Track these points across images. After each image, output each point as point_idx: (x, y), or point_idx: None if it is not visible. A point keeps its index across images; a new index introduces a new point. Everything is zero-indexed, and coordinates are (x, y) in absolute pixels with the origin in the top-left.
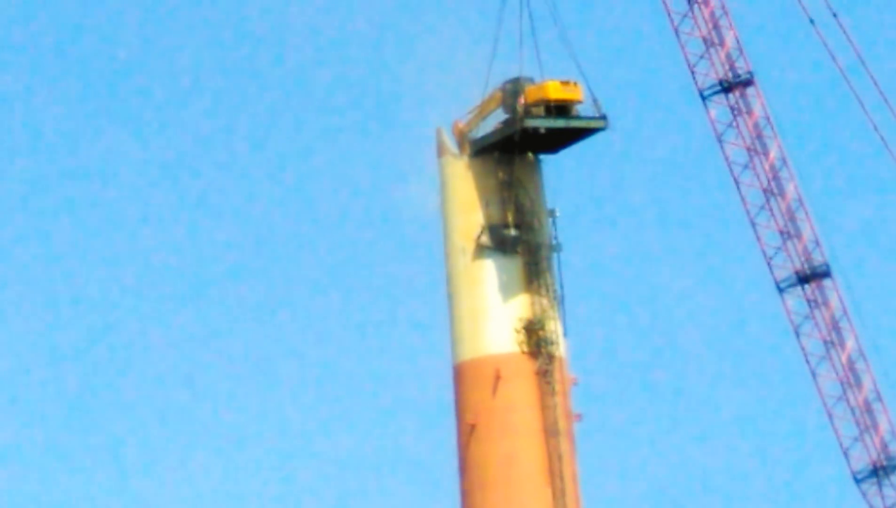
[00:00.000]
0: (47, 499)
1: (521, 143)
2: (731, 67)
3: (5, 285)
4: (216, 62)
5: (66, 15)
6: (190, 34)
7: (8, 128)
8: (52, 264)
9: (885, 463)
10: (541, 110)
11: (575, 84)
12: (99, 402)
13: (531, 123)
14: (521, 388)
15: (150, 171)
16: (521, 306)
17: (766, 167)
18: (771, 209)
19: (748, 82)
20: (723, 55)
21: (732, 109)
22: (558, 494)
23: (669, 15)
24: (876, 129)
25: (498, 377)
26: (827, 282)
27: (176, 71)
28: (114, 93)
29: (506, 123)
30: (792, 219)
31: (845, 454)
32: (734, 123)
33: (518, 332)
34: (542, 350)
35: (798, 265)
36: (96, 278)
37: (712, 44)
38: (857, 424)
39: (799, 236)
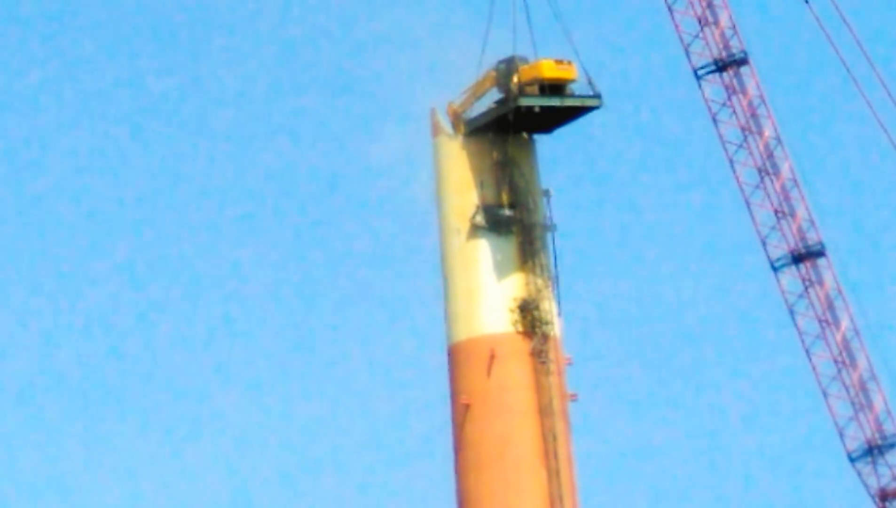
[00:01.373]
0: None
1: (515, 122)
2: (726, 46)
3: (6, 286)
4: (209, 49)
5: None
6: (183, 24)
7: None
8: (52, 264)
9: (879, 442)
10: (535, 89)
11: (569, 63)
12: (98, 405)
13: (525, 101)
14: (515, 368)
15: (145, 170)
16: (515, 286)
17: (761, 146)
18: (765, 188)
19: (742, 61)
20: (717, 34)
21: (727, 88)
22: (553, 474)
23: None
24: (871, 107)
25: (493, 357)
26: (821, 261)
27: (169, 65)
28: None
29: (500, 102)
30: (786, 198)
31: (840, 433)
32: (728, 103)
33: (513, 312)
34: (537, 330)
35: (793, 245)
36: (97, 279)
37: (706, 23)
38: (852, 403)
39: (793, 215)
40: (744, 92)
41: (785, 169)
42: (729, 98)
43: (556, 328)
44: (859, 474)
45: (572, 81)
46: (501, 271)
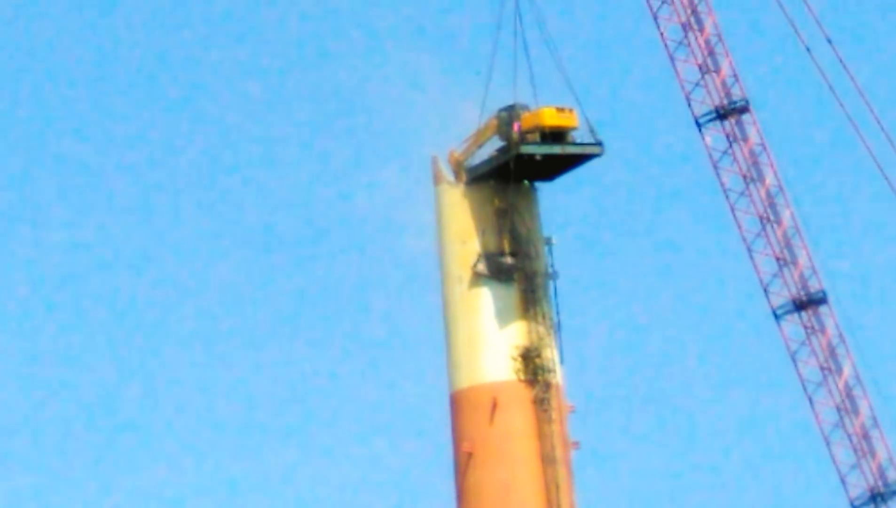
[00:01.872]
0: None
1: (516, 170)
2: (727, 94)
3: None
4: (212, 92)
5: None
6: (183, 73)
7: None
8: (52, 264)
9: (882, 490)
10: (536, 137)
11: (570, 110)
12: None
13: (526, 149)
14: (518, 416)
15: (141, 226)
16: (517, 333)
17: (762, 194)
18: (767, 236)
19: (744, 109)
20: (718, 82)
21: (728, 135)
22: None
23: (665, 42)
24: (872, 155)
25: (495, 405)
26: (823, 309)
27: (171, 116)
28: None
29: (501, 150)
30: (788, 246)
31: (843, 480)
32: (730, 150)
33: (515, 360)
34: (539, 378)
35: (794, 292)
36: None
37: (708, 71)
38: (855, 450)
39: (795, 262)
40: (745, 140)
41: (786, 216)
42: (730, 146)
43: (558, 376)
44: None
45: (573, 128)
46: (503, 318)
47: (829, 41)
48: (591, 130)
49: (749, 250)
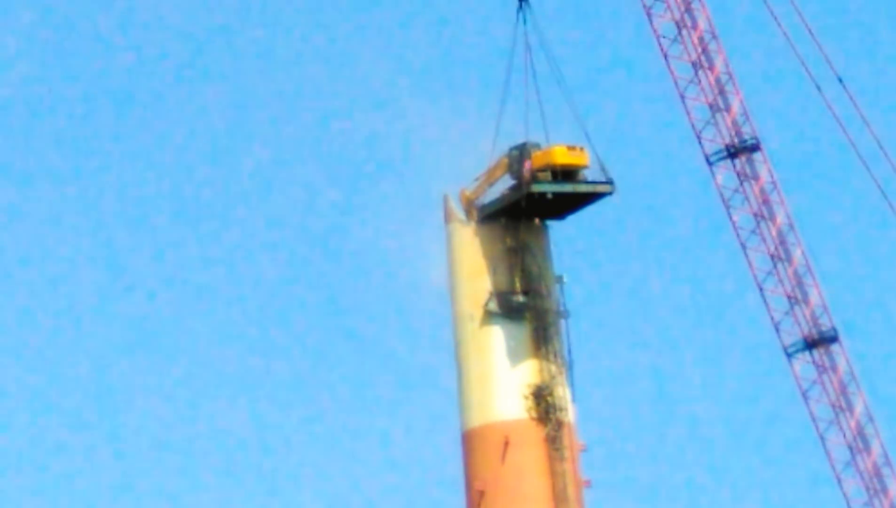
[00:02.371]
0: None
1: (527, 208)
2: (738, 133)
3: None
4: (216, 128)
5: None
6: (189, 103)
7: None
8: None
9: None
10: (547, 175)
11: (581, 149)
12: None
13: (538, 188)
14: (530, 454)
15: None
16: (529, 372)
17: (773, 233)
18: (778, 274)
19: (754, 148)
20: (729, 121)
21: (739, 174)
22: None
23: (675, 80)
24: (883, 193)
25: (507, 444)
26: (835, 347)
27: (180, 154)
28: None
29: (512, 188)
30: (799, 284)
31: None
32: (741, 189)
33: (526, 398)
34: (551, 416)
35: (806, 331)
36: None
37: (718, 109)
38: (867, 489)
39: (806, 301)
40: (756, 178)
41: (797, 255)
42: (741, 184)
43: (571, 415)
44: None
45: (585, 166)
46: (515, 357)
47: (840, 80)
48: (603, 169)
49: (760, 288)
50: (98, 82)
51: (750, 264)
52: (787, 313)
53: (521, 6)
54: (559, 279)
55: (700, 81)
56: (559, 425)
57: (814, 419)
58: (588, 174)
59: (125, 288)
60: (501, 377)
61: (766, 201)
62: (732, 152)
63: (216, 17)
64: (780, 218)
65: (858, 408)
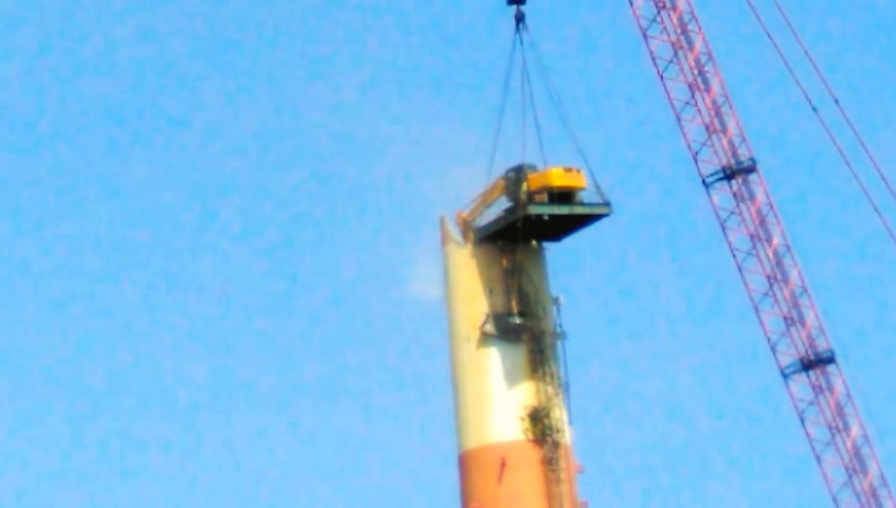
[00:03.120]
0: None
1: (524, 230)
2: (734, 154)
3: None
4: (211, 144)
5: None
6: (196, 119)
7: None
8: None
9: None
10: (544, 197)
11: (578, 171)
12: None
13: (534, 210)
14: (526, 476)
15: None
16: (526, 393)
17: (770, 254)
18: (774, 296)
19: (751, 169)
20: (725, 142)
21: (735, 195)
22: None
23: (672, 102)
24: (880, 214)
25: (503, 465)
26: (831, 368)
27: (182, 179)
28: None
29: (509, 210)
30: (795, 305)
31: None
32: (737, 210)
33: (523, 420)
34: (548, 438)
35: (802, 352)
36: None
37: (714, 131)
38: None
39: (803, 322)
40: (752, 199)
41: (794, 276)
42: (737, 206)
43: (567, 436)
44: None
45: (581, 188)
46: (511, 378)
47: (837, 101)
48: (599, 191)
49: (756, 309)
50: (97, 82)
51: (746, 285)
52: (783, 335)
53: (518, 28)
54: (556, 301)
55: (696, 103)
56: (556, 446)
57: (810, 440)
58: (585, 196)
59: (125, 290)
60: (498, 399)
61: (762, 222)
62: (729, 174)
63: (216, 27)
64: (777, 239)
65: (855, 429)
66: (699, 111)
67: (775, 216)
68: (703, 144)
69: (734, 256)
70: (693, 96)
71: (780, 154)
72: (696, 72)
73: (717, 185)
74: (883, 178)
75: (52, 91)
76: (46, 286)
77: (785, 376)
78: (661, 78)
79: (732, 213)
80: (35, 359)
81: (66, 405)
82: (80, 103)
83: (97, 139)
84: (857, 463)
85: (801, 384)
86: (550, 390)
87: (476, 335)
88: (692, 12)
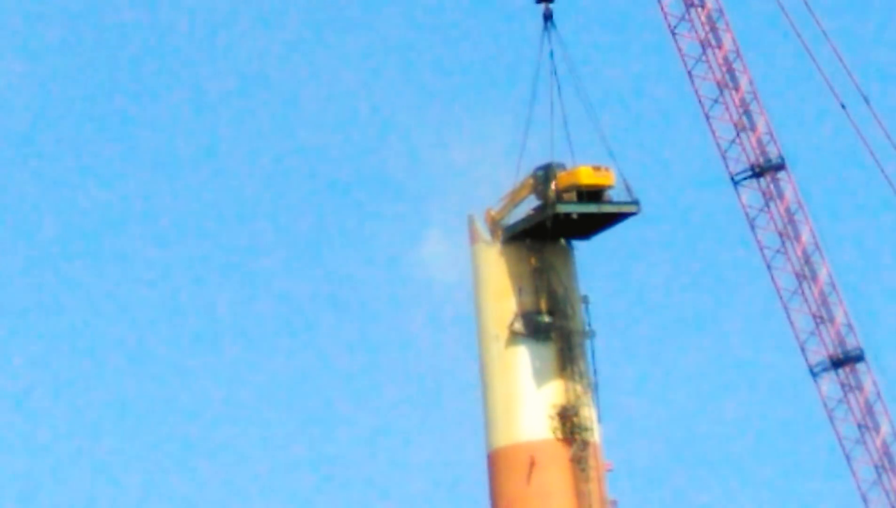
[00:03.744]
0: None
1: (553, 229)
2: (763, 152)
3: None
4: (248, 155)
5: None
6: (209, 123)
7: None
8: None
9: None
10: (573, 196)
11: (606, 169)
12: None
13: (563, 208)
14: (555, 475)
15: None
16: (554, 392)
17: (799, 252)
18: (803, 293)
19: (779, 167)
20: (754, 140)
21: (764, 193)
22: None
23: (700, 100)
24: None
25: (532, 464)
26: (860, 366)
27: (195, 156)
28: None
29: (538, 209)
30: (825, 303)
31: None
32: (766, 208)
33: (552, 418)
34: (577, 437)
35: (831, 350)
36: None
37: (743, 129)
38: (894, 507)
39: (832, 320)
40: (781, 197)
41: (823, 274)
42: (766, 204)
43: (596, 435)
44: None
45: (610, 187)
46: (540, 377)
47: (866, 99)
48: (628, 189)
49: (786, 307)
50: (96, 81)
51: (775, 283)
52: (812, 333)
53: (546, 26)
54: (584, 299)
55: (725, 101)
56: (585, 445)
57: (839, 439)
58: (613, 194)
59: (128, 284)
60: (527, 398)
61: (791, 221)
62: (757, 172)
63: (231, 31)
64: (806, 237)
65: (884, 427)
66: (728, 109)
67: (804, 214)
68: (732, 142)
69: (763, 254)
70: (722, 94)
71: (809, 152)
72: (724, 70)
73: (746, 183)
74: None
75: (52, 91)
76: (46, 287)
77: (814, 374)
78: (690, 76)
79: (761, 211)
80: (35, 359)
81: (67, 404)
82: (81, 103)
83: (97, 138)
84: (886, 462)
85: (830, 383)
86: (579, 388)
87: (505, 333)
88: (721, 10)
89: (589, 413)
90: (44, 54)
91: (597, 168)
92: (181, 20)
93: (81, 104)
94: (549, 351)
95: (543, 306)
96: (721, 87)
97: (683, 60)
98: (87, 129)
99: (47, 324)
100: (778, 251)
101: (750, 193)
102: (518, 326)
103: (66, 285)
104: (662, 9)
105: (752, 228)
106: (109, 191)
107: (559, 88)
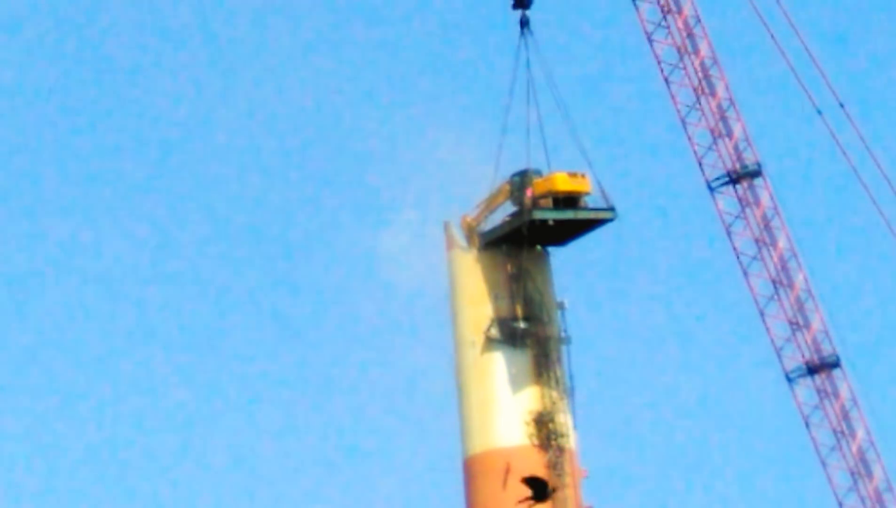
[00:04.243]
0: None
1: (529, 235)
2: (739, 158)
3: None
4: (217, 146)
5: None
6: (199, 125)
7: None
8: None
9: None
10: (549, 202)
11: (583, 175)
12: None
13: (539, 215)
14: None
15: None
16: (530, 398)
17: (775, 258)
18: (780, 300)
19: (756, 173)
20: (730, 146)
21: (740, 199)
22: None
23: (677, 106)
24: (884, 218)
25: (508, 471)
26: (836, 372)
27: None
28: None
29: (514, 215)
30: (801, 309)
31: None
32: (742, 214)
33: (528, 425)
34: (553, 443)
35: (807, 356)
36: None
37: (720, 135)
38: None
39: (808, 326)
40: (757, 204)
41: (799, 280)
42: (743, 210)
43: (572, 441)
44: None
45: (586, 193)
46: (516, 383)
47: (842, 105)
48: (604, 195)
49: (762, 313)
50: (94, 81)
51: (752, 289)
52: (788, 339)
53: (522, 32)
54: (560, 306)
55: (702, 107)
56: (560, 451)
57: (815, 445)
58: (589, 201)
59: (123, 291)
60: (503, 404)
61: (767, 227)
62: (734, 178)
63: (220, 30)
64: (782, 243)
65: (860, 434)
66: (704, 115)
67: (780, 220)
68: (709, 149)
69: (739, 260)
70: (698, 100)
71: (786, 158)
72: (701, 76)
73: (723, 189)
74: (888, 181)
75: (50, 91)
76: (45, 287)
77: (790, 380)
78: (667, 82)
79: (738, 217)
80: (33, 359)
81: (66, 404)
82: (78, 102)
83: (96, 139)
84: (862, 468)
85: (806, 389)
86: (555, 394)
87: (481, 339)
88: (697, 16)
89: (565, 420)
90: (41, 55)
91: (573, 175)
92: (156, 19)
93: (58, 99)
94: (525, 357)
95: (519, 312)
96: (698, 93)
97: (660, 67)
98: (62, 127)
99: (43, 328)
100: (754, 258)
101: (726, 199)
102: (494, 332)
103: (53, 287)
104: (639, 15)
105: (729, 234)
106: (88, 196)
107: (535, 94)
